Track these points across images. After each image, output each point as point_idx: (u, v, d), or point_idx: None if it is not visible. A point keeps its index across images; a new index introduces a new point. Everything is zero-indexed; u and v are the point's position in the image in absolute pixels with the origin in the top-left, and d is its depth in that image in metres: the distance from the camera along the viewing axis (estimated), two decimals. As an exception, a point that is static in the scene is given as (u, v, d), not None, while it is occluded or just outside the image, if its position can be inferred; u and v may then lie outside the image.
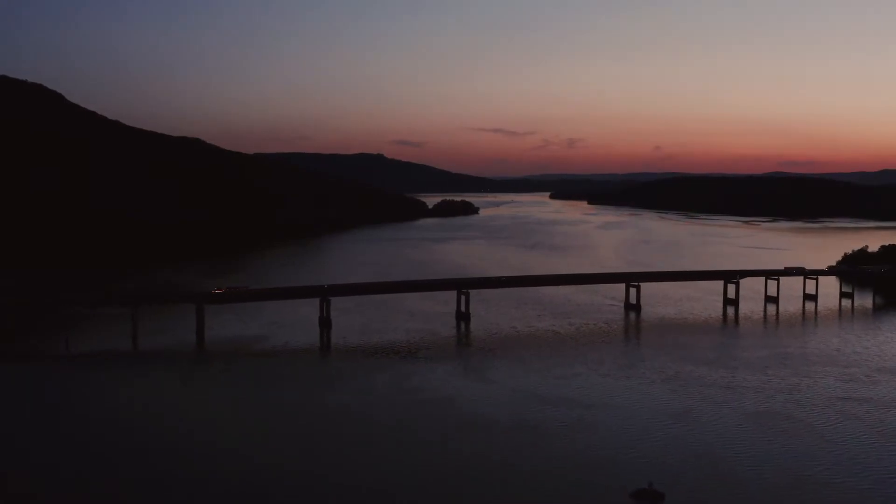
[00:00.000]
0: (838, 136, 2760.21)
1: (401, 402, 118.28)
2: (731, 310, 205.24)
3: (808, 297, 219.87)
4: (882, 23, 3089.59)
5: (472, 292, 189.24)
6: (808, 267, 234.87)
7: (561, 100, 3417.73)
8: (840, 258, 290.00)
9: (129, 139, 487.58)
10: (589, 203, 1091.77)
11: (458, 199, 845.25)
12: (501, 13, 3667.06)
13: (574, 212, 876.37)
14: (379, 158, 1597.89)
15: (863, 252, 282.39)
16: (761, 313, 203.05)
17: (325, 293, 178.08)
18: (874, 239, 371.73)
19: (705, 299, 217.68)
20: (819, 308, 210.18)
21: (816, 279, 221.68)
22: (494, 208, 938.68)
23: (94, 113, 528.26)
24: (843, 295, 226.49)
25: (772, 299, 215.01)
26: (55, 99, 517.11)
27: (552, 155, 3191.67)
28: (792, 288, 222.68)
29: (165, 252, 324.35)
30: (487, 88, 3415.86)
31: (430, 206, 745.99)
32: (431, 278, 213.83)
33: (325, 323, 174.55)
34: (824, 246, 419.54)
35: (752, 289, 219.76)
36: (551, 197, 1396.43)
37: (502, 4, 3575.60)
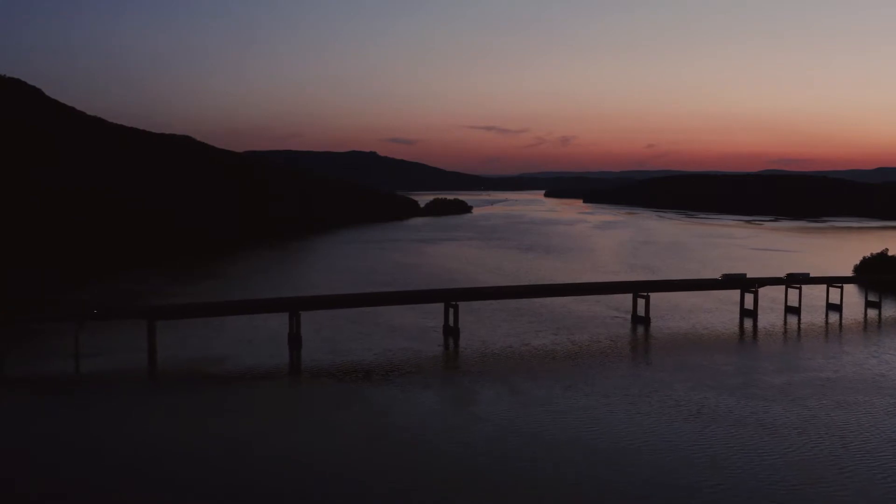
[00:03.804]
0: (832, 134, 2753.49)
1: (371, 443, 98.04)
2: (748, 322, 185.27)
3: (831, 307, 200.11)
4: (877, 22, 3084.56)
5: (462, 304, 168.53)
6: (832, 272, 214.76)
7: (553, 97, 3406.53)
8: (858, 262, 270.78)
9: (118, 135, 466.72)
10: (584, 202, 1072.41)
11: (450, 197, 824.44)
12: (495, 12, 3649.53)
13: (570, 211, 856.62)
14: (372, 156, 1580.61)
15: (883, 255, 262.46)
16: (782, 326, 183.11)
17: (294, 307, 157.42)
18: (888, 240, 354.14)
19: (719, 310, 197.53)
20: (845, 320, 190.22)
21: (841, 287, 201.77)
22: (488, 207, 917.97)
23: (73, 108, 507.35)
24: (868, 304, 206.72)
25: (792, 310, 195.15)
26: (34, 94, 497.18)
27: (546, 153, 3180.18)
28: (813, 297, 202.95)
29: (155, 253, 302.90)
30: (480, 86, 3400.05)
31: (422, 205, 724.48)
32: (416, 289, 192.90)
33: (294, 340, 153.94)
34: (836, 247, 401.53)
35: (769, 297, 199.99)
36: (546, 195, 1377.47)
37: (496, 3, 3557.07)
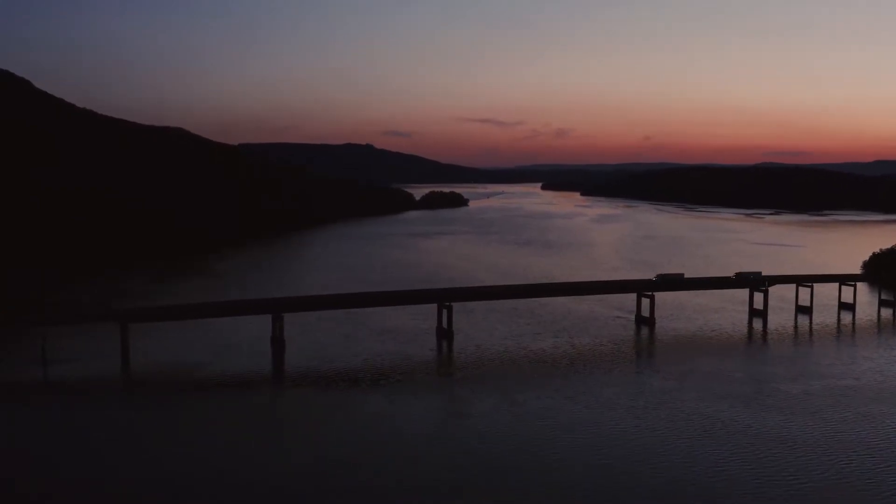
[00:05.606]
0: (830, 127, 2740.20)
1: (356, 458, 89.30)
2: (758, 323, 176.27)
3: (843, 306, 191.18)
4: (873, 14, 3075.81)
5: (457, 305, 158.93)
6: (841, 270, 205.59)
7: (549, 89, 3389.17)
8: (866, 258, 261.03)
9: (117, 134, 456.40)
10: (581, 194, 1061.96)
11: (446, 190, 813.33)
12: (491, 4, 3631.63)
13: (567, 204, 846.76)
14: (368, 149, 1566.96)
15: (893, 251, 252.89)
16: (794, 328, 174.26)
17: (277, 308, 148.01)
18: (894, 234, 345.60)
19: (727, 310, 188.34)
20: (858, 321, 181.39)
21: (854, 285, 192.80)
22: (484, 200, 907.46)
23: (62, 100, 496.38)
24: (882, 303, 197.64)
25: (803, 309, 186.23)
26: (23, 86, 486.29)
27: (542, 145, 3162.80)
28: (825, 296, 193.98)
29: (155, 253, 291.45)
30: (476, 78, 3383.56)
31: (418, 199, 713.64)
32: (408, 289, 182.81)
33: (277, 344, 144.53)
34: (841, 241, 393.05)
35: (779, 296, 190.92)
36: (542, 188, 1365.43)
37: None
